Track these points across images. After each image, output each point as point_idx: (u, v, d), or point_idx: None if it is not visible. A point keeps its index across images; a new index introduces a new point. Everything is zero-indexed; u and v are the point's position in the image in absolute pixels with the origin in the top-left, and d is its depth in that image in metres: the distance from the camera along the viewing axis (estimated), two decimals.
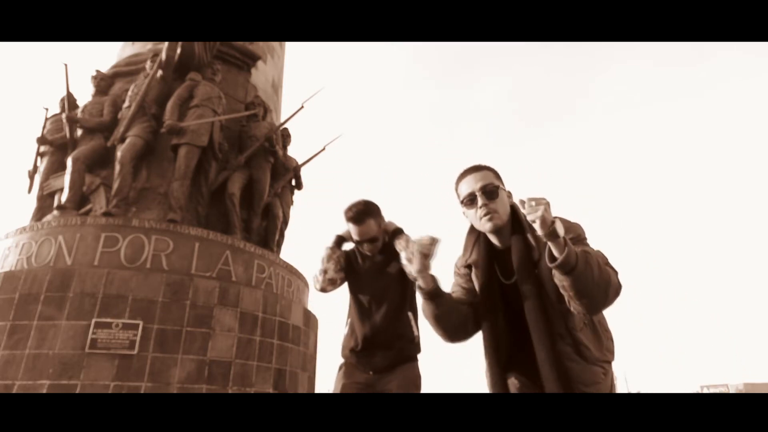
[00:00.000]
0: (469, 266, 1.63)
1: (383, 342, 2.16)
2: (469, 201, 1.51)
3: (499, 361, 1.44)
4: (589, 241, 1.45)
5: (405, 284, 2.23)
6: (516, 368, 1.46)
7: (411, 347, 2.20)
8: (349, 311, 2.35)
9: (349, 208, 2.22)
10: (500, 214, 1.49)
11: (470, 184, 1.51)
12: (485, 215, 1.47)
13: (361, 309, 2.25)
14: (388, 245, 2.28)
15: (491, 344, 1.46)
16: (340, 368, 2.29)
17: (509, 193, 1.59)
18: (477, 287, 1.59)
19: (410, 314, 2.23)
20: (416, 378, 2.17)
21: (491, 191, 1.49)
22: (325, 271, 2.27)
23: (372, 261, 2.30)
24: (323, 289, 2.30)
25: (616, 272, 1.33)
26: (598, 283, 1.23)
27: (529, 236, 1.46)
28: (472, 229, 1.63)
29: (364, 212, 2.18)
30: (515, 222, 1.54)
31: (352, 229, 2.21)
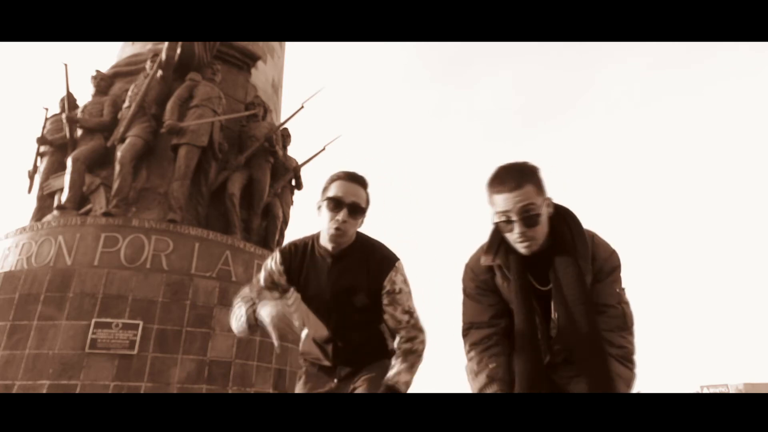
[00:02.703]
0: (490, 268, 1.49)
1: (356, 359, 1.75)
2: (505, 221, 1.34)
3: (541, 361, 1.42)
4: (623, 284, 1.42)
5: (376, 318, 1.75)
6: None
7: (383, 353, 1.78)
8: (305, 318, 1.80)
9: (340, 171, 1.72)
10: (537, 240, 1.35)
11: (507, 202, 1.32)
12: (521, 241, 1.34)
13: (322, 342, 1.77)
14: (351, 253, 1.71)
15: (531, 348, 1.39)
16: (300, 377, 1.89)
17: (549, 200, 1.39)
18: (506, 290, 1.47)
19: (383, 326, 1.78)
20: (384, 368, 1.71)
21: (531, 218, 1.31)
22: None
23: (328, 272, 1.69)
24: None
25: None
26: None
27: (585, 252, 1.36)
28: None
29: (361, 179, 1.69)
30: (556, 226, 1.39)
31: (337, 186, 1.63)
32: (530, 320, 1.40)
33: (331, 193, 1.62)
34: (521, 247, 1.35)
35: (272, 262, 1.74)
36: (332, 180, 1.67)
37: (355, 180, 1.66)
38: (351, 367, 1.76)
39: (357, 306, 1.68)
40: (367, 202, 1.69)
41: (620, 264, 1.40)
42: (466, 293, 1.58)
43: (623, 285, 1.41)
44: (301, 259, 1.72)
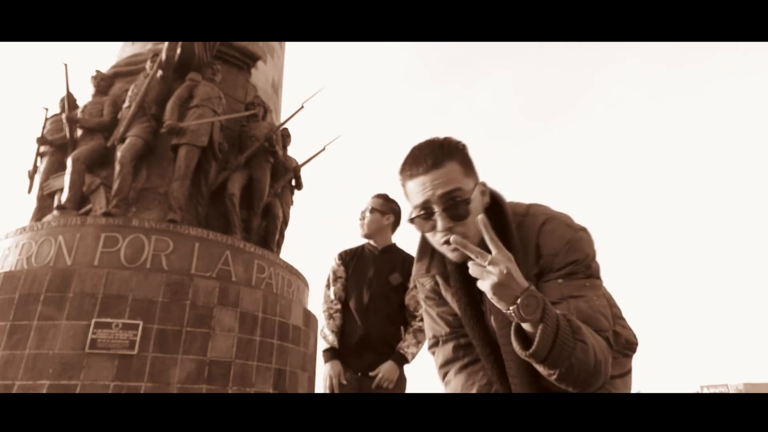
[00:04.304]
0: (433, 277, 1.21)
1: (373, 346, 2.31)
2: (423, 216, 0.99)
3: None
4: (596, 271, 1.03)
5: (401, 297, 2.42)
6: None
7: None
8: (344, 304, 2.51)
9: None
10: (470, 238, 0.96)
11: (424, 190, 0.97)
12: (447, 242, 0.97)
13: (358, 309, 2.39)
14: (391, 251, 2.52)
15: (500, 377, 1.10)
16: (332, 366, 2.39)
17: (483, 185, 1.04)
18: (453, 304, 1.18)
19: (402, 327, 2.39)
20: (399, 379, 2.27)
21: (458, 206, 0.95)
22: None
23: (374, 260, 2.48)
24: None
25: (610, 337, 0.98)
26: (590, 374, 0.90)
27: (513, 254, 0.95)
28: None
29: (381, 194, 2.57)
30: (493, 223, 0.98)
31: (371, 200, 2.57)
32: (488, 343, 1.10)
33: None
34: (449, 251, 1.00)
35: (334, 264, 2.57)
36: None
37: (376, 195, 2.56)
38: (368, 350, 2.29)
39: (393, 284, 2.39)
40: (382, 206, 2.52)
41: (580, 257, 0.99)
42: (424, 305, 1.33)
43: (586, 278, 0.99)
44: (353, 254, 2.58)
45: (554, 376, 0.88)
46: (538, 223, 1.04)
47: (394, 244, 2.57)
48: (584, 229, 1.05)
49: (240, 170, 5.93)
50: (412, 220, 1.03)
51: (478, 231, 0.94)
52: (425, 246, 1.17)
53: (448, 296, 1.20)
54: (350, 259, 2.55)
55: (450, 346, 1.23)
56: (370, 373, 2.24)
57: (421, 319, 2.26)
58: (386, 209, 2.53)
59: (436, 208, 0.96)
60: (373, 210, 2.50)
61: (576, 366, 0.86)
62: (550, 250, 1.00)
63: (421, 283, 1.28)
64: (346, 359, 2.33)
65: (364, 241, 2.60)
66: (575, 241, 1.00)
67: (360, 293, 2.40)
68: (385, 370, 2.21)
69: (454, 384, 1.20)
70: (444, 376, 1.24)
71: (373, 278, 2.42)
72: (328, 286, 2.53)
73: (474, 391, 1.14)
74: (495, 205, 1.07)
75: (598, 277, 1.02)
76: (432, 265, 1.16)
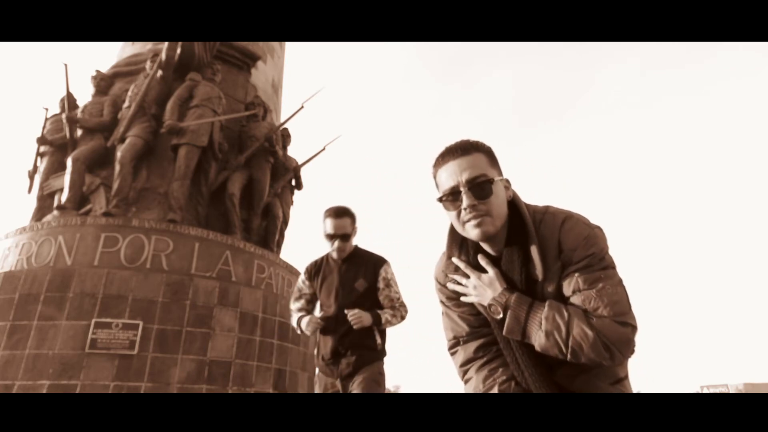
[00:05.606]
0: (456, 269, 1.25)
1: (347, 352, 2.38)
2: (452, 198, 1.12)
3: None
4: (610, 262, 1.11)
5: (371, 300, 2.44)
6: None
7: (373, 354, 2.41)
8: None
9: (330, 207, 2.55)
10: (493, 218, 1.11)
11: (453, 174, 1.11)
12: (472, 218, 1.10)
13: (328, 322, 2.44)
14: (354, 257, 2.54)
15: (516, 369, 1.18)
16: (315, 382, 2.60)
17: (507, 182, 1.18)
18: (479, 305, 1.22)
19: (374, 328, 2.39)
20: (376, 374, 2.35)
21: (482, 186, 1.09)
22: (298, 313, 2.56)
23: (339, 270, 2.51)
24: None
25: (629, 325, 1.04)
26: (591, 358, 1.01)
27: (533, 248, 1.11)
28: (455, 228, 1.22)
29: (343, 211, 2.49)
30: (514, 222, 1.16)
31: (328, 223, 2.46)
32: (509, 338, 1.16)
33: (326, 230, 2.46)
34: (472, 227, 1.10)
35: (300, 280, 2.63)
36: (325, 217, 2.50)
37: (339, 215, 2.46)
38: (344, 356, 2.37)
39: (360, 290, 2.43)
40: (352, 224, 2.49)
41: (596, 251, 1.08)
42: (443, 307, 1.37)
43: (601, 269, 1.07)
44: (319, 267, 2.60)
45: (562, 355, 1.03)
46: (558, 221, 1.14)
47: (356, 247, 2.58)
48: (599, 227, 1.16)
49: (240, 170, 5.94)
50: (440, 200, 1.16)
51: (501, 212, 1.13)
52: (454, 237, 1.26)
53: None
54: (315, 272, 2.58)
55: (472, 346, 1.28)
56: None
57: (397, 309, 2.43)
58: (353, 226, 2.51)
59: (463, 189, 1.10)
60: (348, 236, 2.46)
61: (553, 345, 1.03)
62: (570, 246, 1.10)
63: (441, 283, 1.32)
64: (325, 368, 2.47)
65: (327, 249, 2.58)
66: (592, 237, 1.11)
67: (329, 307, 2.46)
68: (360, 312, 2.28)
69: (475, 381, 1.24)
70: (464, 374, 1.29)
71: (339, 290, 2.46)
72: (293, 301, 2.62)
73: (495, 387, 1.19)
74: (513, 205, 1.19)
75: (613, 267, 1.11)
76: (462, 253, 1.23)
